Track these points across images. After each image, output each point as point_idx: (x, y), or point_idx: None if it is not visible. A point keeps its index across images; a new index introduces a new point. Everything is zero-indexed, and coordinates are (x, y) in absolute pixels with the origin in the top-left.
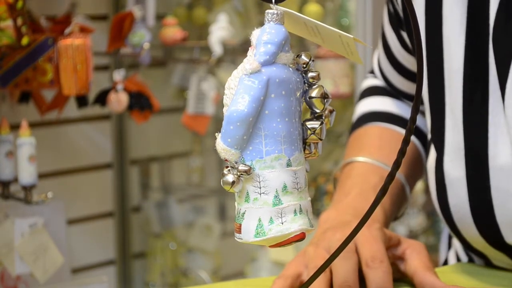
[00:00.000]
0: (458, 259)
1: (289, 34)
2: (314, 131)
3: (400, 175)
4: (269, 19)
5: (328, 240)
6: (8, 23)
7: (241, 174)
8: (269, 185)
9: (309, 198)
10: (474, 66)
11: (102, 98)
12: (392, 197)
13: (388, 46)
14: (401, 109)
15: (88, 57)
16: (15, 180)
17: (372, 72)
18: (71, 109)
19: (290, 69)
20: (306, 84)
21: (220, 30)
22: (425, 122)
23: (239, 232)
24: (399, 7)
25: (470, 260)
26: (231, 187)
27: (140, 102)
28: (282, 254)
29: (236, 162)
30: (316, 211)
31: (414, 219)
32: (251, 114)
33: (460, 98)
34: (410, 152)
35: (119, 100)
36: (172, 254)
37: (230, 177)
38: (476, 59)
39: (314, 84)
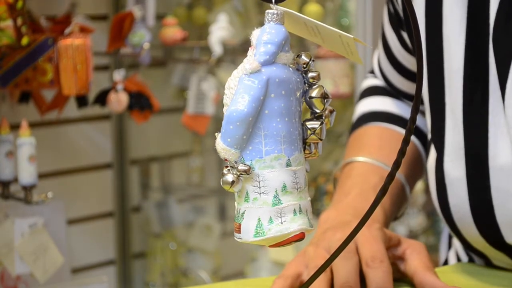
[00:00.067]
0: (459, 259)
1: (289, 34)
2: (314, 131)
3: (400, 175)
4: (269, 19)
5: (328, 240)
6: (8, 23)
7: (241, 174)
8: (269, 185)
9: (309, 198)
10: (474, 66)
11: (102, 98)
12: (392, 197)
13: (388, 46)
14: (401, 109)
15: (88, 57)
16: (15, 180)
17: (372, 72)
18: (71, 109)
19: (290, 69)
20: (306, 84)
21: (220, 30)
22: (425, 122)
23: (239, 231)
24: (399, 7)
25: (470, 260)
26: (230, 187)
27: (140, 102)
28: (282, 254)
29: (235, 162)
30: (316, 211)
31: (414, 219)
32: (251, 114)
33: (460, 98)
34: (410, 152)
35: (119, 100)
36: (172, 254)
37: (229, 177)
38: (476, 59)
39: (314, 84)
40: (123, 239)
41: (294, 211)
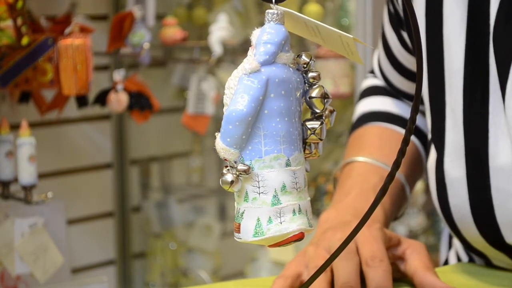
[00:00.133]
0: (459, 259)
1: (289, 34)
2: (314, 131)
3: (400, 175)
4: (269, 19)
5: (328, 240)
6: (8, 23)
7: (240, 174)
8: (268, 184)
9: (309, 198)
10: (475, 66)
11: (102, 98)
12: (392, 197)
13: (388, 46)
14: (401, 109)
15: (88, 57)
16: (15, 180)
17: (372, 72)
18: (71, 109)
19: (290, 69)
20: (306, 84)
21: (220, 30)
22: (425, 122)
23: (238, 231)
24: (399, 7)
25: (471, 260)
26: (230, 187)
27: (140, 102)
28: (282, 254)
29: (235, 162)
30: (316, 211)
31: (414, 219)
32: (250, 114)
33: (461, 98)
34: (410, 152)
35: (119, 100)
36: (172, 254)
37: (229, 177)
38: (477, 59)
39: (315, 84)
40: (123, 239)
41: (294, 211)
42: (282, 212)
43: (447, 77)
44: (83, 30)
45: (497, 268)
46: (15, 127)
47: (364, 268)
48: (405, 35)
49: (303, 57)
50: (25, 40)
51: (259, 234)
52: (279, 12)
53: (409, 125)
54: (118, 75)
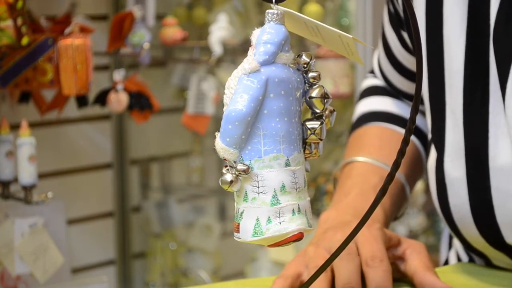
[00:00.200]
0: (459, 259)
1: (289, 34)
2: (314, 131)
3: (400, 175)
4: (269, 19)
5: (328, 240)
6: (8, 23)
7: (240, 174)
8: (268, 184)
9: (308, 198)
10: (475, 66)
11: (102, 98)
12: (392, 197)
13: (388, 46)
14: (401, 109)
15: (88, 57)
16: (15, 180)
17: (372, 72)
18: (71, 109)
19: (290, 69)
20: (306, 84)
21: (220, 30)
22: (425, 122)
23: (238, 231)
24: (399, 7)
25: (471, 260)
26: (229, 186)
27: (140, 102)
28: (282, 254)
29: (234, 162)
30: (316, 211)
31: (414, 219)
32: (250, 114)
33: (461, 98)
34: (410, 152)
35: (119, 100)
36: (172, 254)
37: (228, 177)
38: (477, 59)
39: (315, 84)
40: (123, 239)
41: (293, 211)
42: (282, 212)
43: (447, 77)
44: (83, 30)
45: (497, 268)
46: (15, 127)
47: (364, 268)
48: (405, 35)
49: (303, 57)
50: (25, 40)
51: (258, 234)
52: (279, 12)
53: (409, 125)
54: (118, 75)
